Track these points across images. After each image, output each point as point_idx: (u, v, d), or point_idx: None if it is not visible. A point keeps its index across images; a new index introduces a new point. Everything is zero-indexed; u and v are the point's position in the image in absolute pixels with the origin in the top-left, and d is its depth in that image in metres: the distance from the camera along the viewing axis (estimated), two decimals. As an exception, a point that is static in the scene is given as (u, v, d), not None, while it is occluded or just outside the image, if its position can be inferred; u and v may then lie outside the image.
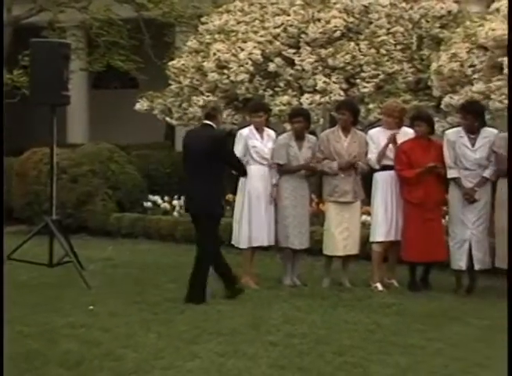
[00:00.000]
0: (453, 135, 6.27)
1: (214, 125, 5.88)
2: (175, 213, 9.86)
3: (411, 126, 6.48)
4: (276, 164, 6.50)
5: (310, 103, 9.39)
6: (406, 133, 6.53)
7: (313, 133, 9.36)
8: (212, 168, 5.75)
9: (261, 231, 6.33)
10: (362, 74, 9.37)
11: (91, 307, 5.43)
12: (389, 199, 6.44)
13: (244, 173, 6.08)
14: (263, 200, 6.41)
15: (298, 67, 9.63)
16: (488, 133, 6.23)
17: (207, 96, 10.24)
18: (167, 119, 10.98)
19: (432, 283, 6.50)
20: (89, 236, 9.63)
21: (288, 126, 7.12)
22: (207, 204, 5.78)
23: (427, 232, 6.25)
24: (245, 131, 6.54)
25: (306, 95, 9.52)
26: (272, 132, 6.66)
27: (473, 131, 6.20)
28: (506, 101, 7.91)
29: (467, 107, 6.29)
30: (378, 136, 6.54)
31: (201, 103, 10.20)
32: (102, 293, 6.05)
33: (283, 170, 6.52)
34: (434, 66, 8.70)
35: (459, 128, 6.31)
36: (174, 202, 10.10)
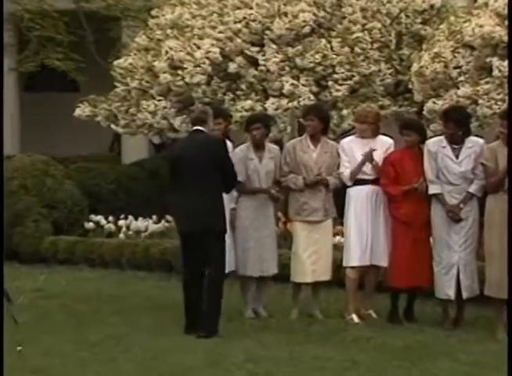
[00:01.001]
0: (434, 146, 6.31)
1: (206, 131, 5.94)
2: (121, 235, 9.84)
3: (400, 135, 6.54)
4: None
5: (276, 109, 9.45)
6: (383, 143, 6.59)
7: (279, 142, 9.42)
8: (216, 178, 5.83)
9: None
10: (335, 76, 9.44)
11: (20, 348, 5.34)
12: (364, 218, 6.47)
13: (231, 188, 6.12)
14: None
15: (262, 68, 9.67)
16: (474, 143, 6.29)
17: (159, 101, 10.25)
18: (113, 127, 10.95)
19: (415, 314, 6.54)
20: (19, 263, 9.52)
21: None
22: (218, 218, 5.84)
23: (415, 254, 6.31)
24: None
25: (271, 100, 9.57)
26: (229, 143, 6.64)
27: (456, 141, 6.26)
28: (495, 106, 8.08)
29: (450, 114, 6.34)
30: (351, 146, 6.58)
31: (151, 108, 10.22)
32: (33, 329, 5.97)
33: (241, 190, 6.52)
34: (415, 67, 8.82)
35: (441, 138, 6.36)
36: (120, 222, 10.08)
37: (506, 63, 7.98)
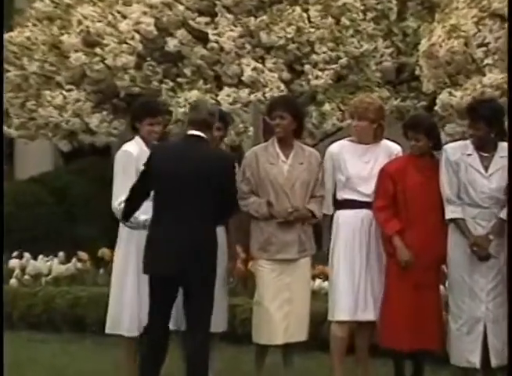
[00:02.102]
0: (456, 153, 6.30)
1: (207, 139, 5.97)
2: (13, 280, 9.68)
3: (405, 138, 6.50)
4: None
5: (232, 102, 9.46)
6: (389, 150, 6.61)
7: (238, 150, 9.34)
8: (213, 206, 5.88)
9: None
10: (314, 58, 9.46)
11: None
12: (357, 253, 6.46)
13: (224, 221, 6.24)
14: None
15: (214, 45, 9.67)
16: (506, 150, 6.25)
17: (68, 91, 10.21)
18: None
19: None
20: None
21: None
22: (209, 259, 5.89)
23: (418, 305, 6.29)
24: (133, 149, 6.46)
25: (226, 90, 9.58)
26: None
27: (486, 147, 6.25)
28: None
29: (478, 109, 6.32)
30: (343, 156, 6.57)
31: (58, 101, 10.15)
32: None
33: None
34: (424, 45, 8.86)
35: (466, 142, 6.37)
36: (12, 262, 9.93)
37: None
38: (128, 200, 6.09)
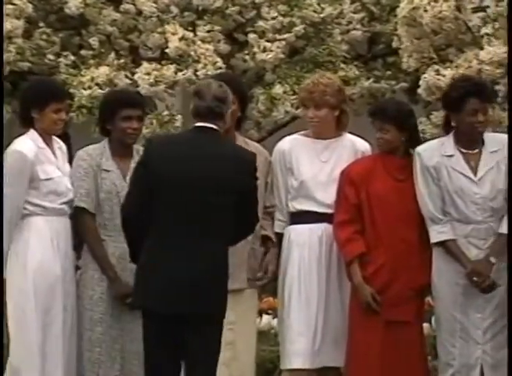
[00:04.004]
0: (433, 156, 6.37)
1: (220, 131, 6.05)
2: None
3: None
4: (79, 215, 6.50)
5: (154, 83, 9.51)
6: (355, 147, 6.73)
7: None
8: (229, 221, 5.97)
9: (57, 366, 6.35)
10: (261, 25, 9.57)
11: None
12: (314, 280, 6.53)
13: (241, 239, 6.30)
14: (60, 294, 6.42)
15: (129, 7, 9.78)
16: (497, 142, 6.38)
17: None
18: None
19: None
20: None
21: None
22: (222, 292, 6.04)
23: (392, 348, 6.40)
24: (28, 149, 6.43)
25: (146, 66, 9.63)
26: (61, 144, 6.66)
27: (471, 142, 6.34)
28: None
29: (458, 87, 6.45)
30: (295, 154, 6.68)
31: None
32: None
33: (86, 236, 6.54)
34: (403, 9, 8.96)
35: (442, 139, 6.45)
36: None
37: None
38: (131, 232, 6.08)
